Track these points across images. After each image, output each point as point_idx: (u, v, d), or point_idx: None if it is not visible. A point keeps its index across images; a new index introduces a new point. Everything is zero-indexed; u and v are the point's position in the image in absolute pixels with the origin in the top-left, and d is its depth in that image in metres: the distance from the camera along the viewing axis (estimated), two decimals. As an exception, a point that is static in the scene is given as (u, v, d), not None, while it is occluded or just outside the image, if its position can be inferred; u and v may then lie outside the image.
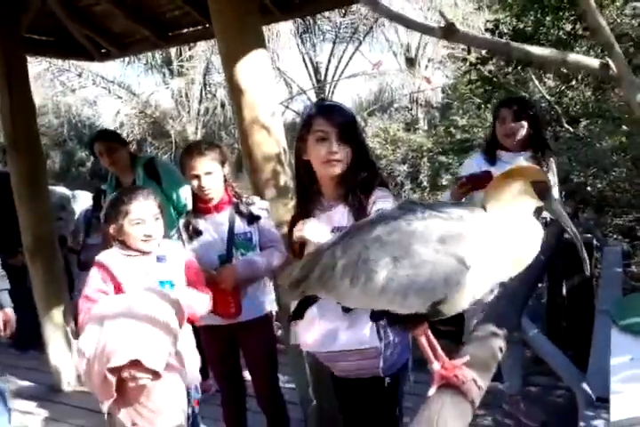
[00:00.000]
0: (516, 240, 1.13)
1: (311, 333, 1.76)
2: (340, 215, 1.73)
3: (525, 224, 1.15)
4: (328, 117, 1.70)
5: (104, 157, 3.49)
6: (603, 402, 1.55)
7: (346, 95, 14.05)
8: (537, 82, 7.02)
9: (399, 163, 8.95)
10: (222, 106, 13.96)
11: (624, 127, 6.18)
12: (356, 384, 1.76)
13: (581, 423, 1.49)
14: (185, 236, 2.45)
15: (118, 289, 2.02)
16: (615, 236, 5.48)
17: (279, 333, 3.21)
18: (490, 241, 1.12)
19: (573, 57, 1.53)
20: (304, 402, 2.86)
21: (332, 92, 13.81)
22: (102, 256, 2.10)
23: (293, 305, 1.59)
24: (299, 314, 1.66)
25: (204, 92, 14.16)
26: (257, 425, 2.63)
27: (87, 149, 6.34)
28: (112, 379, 1.64)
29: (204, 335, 2.49)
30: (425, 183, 8.55)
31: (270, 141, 2.81)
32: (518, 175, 1.18)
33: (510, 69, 4.31)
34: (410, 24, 1.34)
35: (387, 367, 1.70)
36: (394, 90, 14.15)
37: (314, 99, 13.71)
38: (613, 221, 5.62)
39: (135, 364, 1.63)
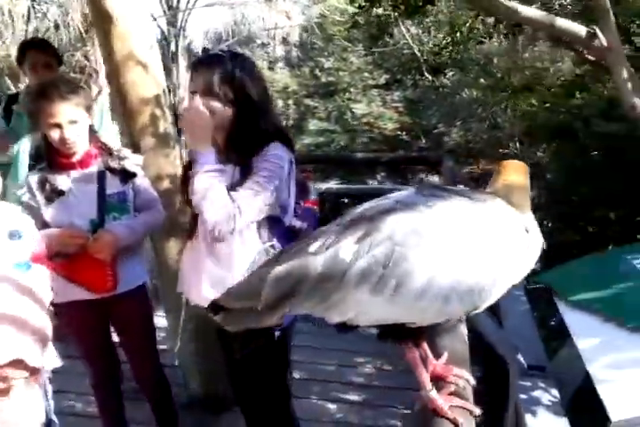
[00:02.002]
0: (534, 242, 1.04)
1: (200, 284, 1.67)
2: (229, 175, 1.61)
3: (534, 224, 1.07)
4: (198, 72, 1.59)
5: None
6: (539, 370, 1.56)
7: (201, 26, 12.96)
8: (403, 29, 7.03)
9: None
10: (56, 27, 12.14)
11: (482, 80, 6.45)
12: (246, 338, 1.64)
13: (521, 395, 1.47)
14: (40, 197, 2.00)
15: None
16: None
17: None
18: (522, 242, 1.02)
19: (562, 22, 1.40)
20: (188, 381, 2.65)
21: (186, 21, 12.65)
22: None
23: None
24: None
25: (32, 11, 12.15)
26: (138, 414, 2.35)
27: None
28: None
29: (65, 314, 2.08)
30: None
31: (148, 80, 2.36)
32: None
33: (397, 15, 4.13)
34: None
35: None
36: (251, 23, 13.38)
37: (164, 28, 12.48)
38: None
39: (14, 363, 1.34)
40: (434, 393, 1.13)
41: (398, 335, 1.05)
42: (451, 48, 7.54)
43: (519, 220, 1.05)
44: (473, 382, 1.20)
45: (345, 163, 5.11)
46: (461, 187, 1.13)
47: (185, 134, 1.58)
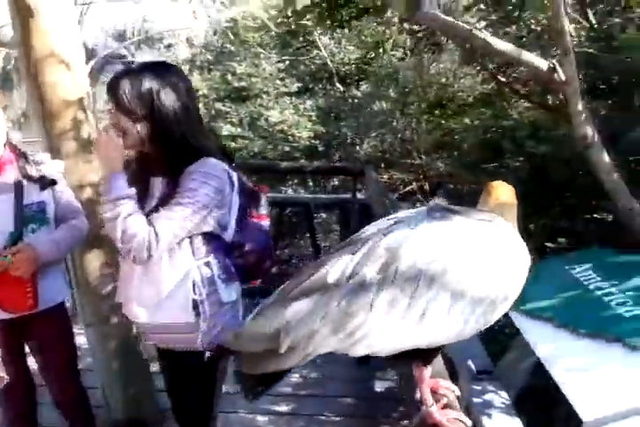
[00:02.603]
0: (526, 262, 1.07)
1: (130, 300, 1.60)
2: (157, 188, 1.56)
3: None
4: (110, 90, 1.50)
5: None
6: (487, 374, 1.62)
7: (103, 22, 12.35)
8: (319, 41, 7.09)
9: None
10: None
11: (392, 93, 6.67)
12: (176, 355, 1.64)
13: (474, 399, 1.52)
14: None
15: None
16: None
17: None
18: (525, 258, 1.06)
19: (528, 56, 1.48)
20: (110, 403, 2.49)
21: (84, 14, 11.98)
22: None
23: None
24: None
25: None
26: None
27: None
28: None
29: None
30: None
31: (71, 81, 2.20)
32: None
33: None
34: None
35: (207, 342, 1.57)
36: (155, 21, 12.93)
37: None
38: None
39: None
40: (434, 408, 1.13)
41: (413, 357, 1.04)
42: (360, 60, 7.76)
43: (519, 237, 1.09)
44: (458, 392, 1.22)
45: (269, 171, 5.05)
46: (461, 207, 1.14)
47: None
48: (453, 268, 0.97)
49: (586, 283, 1.73)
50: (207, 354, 1.59)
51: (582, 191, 2.60)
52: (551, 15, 1.41)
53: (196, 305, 1.53)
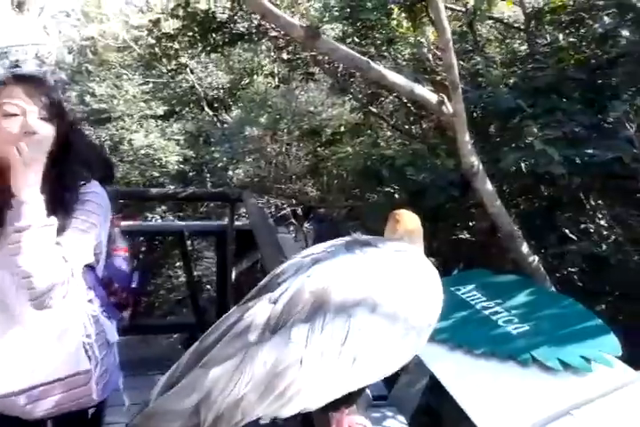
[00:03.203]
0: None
1: None
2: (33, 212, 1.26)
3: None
4: (28, 89, 1.31)
5: None
6: (382, 399, 1.63)
7: None
8: (186, 66, 6.95)
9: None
10: None
11: (262, 120, 6.73)
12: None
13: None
14: None
15: None
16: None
17: None
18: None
19: (420, 89, 1.54)
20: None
21: None
22: None
23: None
24: None
25: None
26: None
27: None
28: None
29: None
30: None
31: None
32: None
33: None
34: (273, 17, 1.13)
35: (100, 392, 1.41)
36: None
37: None
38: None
39: None
40: None
41: (340, 402, 0.99)
42: (230, 86, 7.75)
43: (431, 264, 1.10)
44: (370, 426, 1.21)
45: (138, 198, 4.76)
46: (374, 237, 1.13)
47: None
48: (382, 305, 0.95)
49: (473, 303, 1.83)
50: (90, 410, 1.42)
51: (454, 215, 2.78)
52: (442, 51, 1.50)
53: (86, 349, 1.37)
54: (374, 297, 0.95)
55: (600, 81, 2.27)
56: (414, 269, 1.06)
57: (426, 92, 1.56)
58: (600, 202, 2.73)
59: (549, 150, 1.83)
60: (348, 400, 1.00)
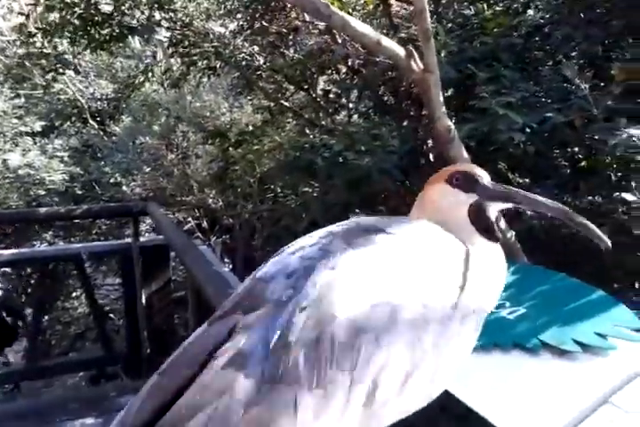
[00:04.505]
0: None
1: None
2: None
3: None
4: None
5: None
6: None
7: None
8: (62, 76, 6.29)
9: None
10: None
11: (155, 128, 6.26)
12: None
13: None
14: None
15: None
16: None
17: None
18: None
19: (387, 41, 1.29)
20: None
21: None
22: None
23: None
24: None
25: None
26: None
27: None
28: None
29: None
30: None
31: None
32: (434, 180, 0.88)
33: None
34: None
35: None
36: None
37: None
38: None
39: None
40: None
41: None
42: (113, 95, 7.16)
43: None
44: None
45: (22, 221, 4.11)
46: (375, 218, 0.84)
47: None
48: (406, 315, 0.68)
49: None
50: None
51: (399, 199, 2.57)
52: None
53: None
54: (395, 306, 0.68)
55: (535, 46, 2.18)
56: (437, 250, 0.79)
57: (393, 45, 1.34)
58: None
59: (511, 115, 1.67)
60: None
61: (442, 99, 1.39)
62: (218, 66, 3.61)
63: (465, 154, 1.46)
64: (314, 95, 3.83)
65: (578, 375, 1.22)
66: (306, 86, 3.77)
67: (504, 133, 1.72)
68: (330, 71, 3.60)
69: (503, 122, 1.72)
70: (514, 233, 1.63)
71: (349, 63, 2.93)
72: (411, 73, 1.30)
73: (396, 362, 0.65)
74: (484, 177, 0.85)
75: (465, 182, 0.84)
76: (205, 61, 3.60)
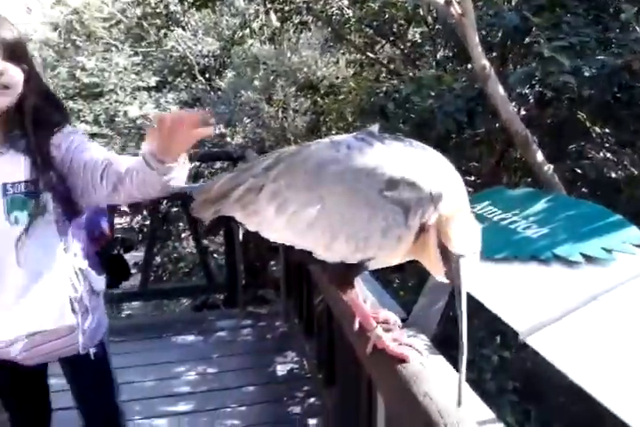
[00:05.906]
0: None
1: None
2: (12, 165, 1.25)
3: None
4: None
5: None
6: (402, 321, 1.64)
7: None
8: (173, 33, 6.84)
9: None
10: None
11: (256, 83, 6.65)
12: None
13: None
14: None
15: None
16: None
17: None
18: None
19: None
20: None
21: None
22: None
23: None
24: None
25: None
26: None
27: None
28: None
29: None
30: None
31: None
32: None
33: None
34: None
35: (87, 341, 1.41)
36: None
37: None
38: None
39: None
40: (380, 331, 1.10)
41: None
42: (219, 52, 7.62)
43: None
44: (400, 323, 1.20)
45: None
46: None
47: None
48: (337, 185, 0.97)
49: (489, 216, 1.82)
50: (92, 350, 1.43)
51: (462, 147, 2.75)
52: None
53: (72, 303, 1.35)
54: (334, 175, 0.98)
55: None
56: (403, 181, 0.96)
57: (431, -9, 1.52)
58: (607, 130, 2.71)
59: (560, 58, 1.80)
60: (338, 275, 1.05)
61: (477, 41, 1.56)
62: (310, 20, 3.86)
63: (501, 91, 1.63)
64: (402, 47, 3.98)
65: (578, 281, 1.42)
66: (392, 38, 3.92)
67: (555, 76, 1.85)
68: (417, 23, 3.73)
69: (553, 65, 1.85)
70: (551, 166, 1.79)
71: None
72: (451, 18, 1.48)
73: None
74: None
75: None
76: (298, 16, 3.86)
